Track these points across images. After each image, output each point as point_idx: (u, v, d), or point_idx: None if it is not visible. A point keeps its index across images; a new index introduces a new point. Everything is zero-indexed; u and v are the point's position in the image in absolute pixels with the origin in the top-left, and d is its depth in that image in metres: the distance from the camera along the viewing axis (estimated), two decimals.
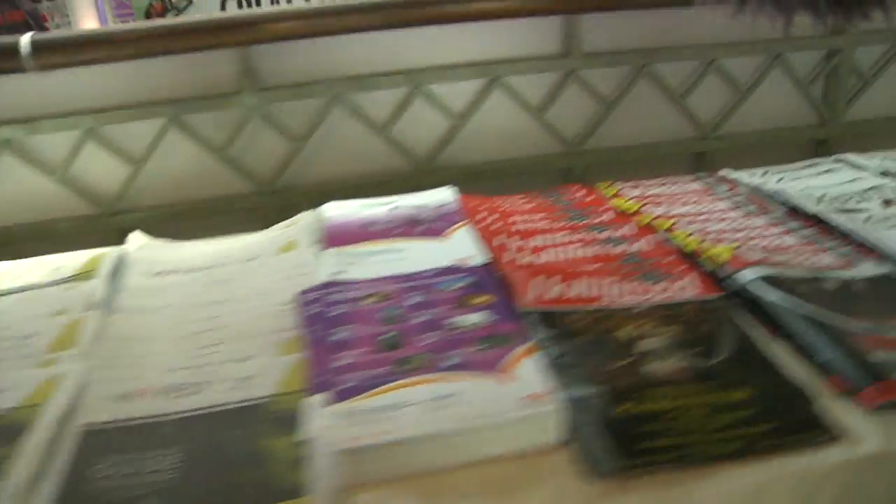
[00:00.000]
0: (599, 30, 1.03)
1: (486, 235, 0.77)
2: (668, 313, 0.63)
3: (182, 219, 0.98)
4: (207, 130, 0.96)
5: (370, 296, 0.65)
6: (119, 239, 0.84)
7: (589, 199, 0.91)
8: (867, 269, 0.70)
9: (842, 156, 1.03)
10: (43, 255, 0.82)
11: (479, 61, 1.00)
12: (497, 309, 0.62)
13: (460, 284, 0.66)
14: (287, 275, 0.72)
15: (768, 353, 0.59)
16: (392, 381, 0.53)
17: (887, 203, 0.87)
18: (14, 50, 0.84)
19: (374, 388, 0.53)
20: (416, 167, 1.03)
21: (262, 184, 1.00)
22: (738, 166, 1.01)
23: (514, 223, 0.83)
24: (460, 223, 0.81)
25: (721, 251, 0.72)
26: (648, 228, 0.81)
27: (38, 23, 0.93)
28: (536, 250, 0.75)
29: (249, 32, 0.89)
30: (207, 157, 0.97)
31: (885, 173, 0.96)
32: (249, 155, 0.99)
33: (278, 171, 1.00)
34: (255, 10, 0.91)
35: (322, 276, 0.70)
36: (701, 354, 0.58)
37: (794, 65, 1.12)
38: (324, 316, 0.63)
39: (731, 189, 0.94)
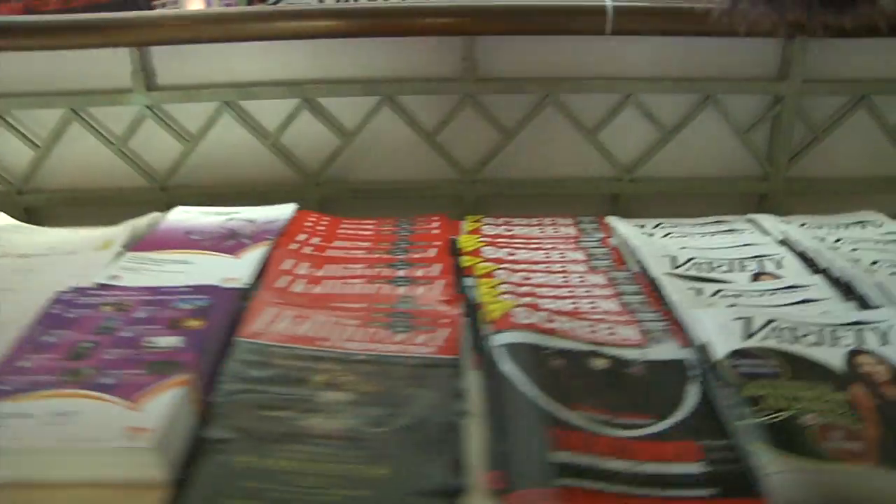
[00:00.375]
0: (502, 54, 0.98)
1: (278, 258, 0.77)
2: (376, 368, 0.60)
3: (83, 205, 1.04)
4: (109, 125, 1.01)
5: (111, 304, 0.67)
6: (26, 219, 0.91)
7: (433, 231, 0.87)
8: (662, 350, 0.64)
9: (755, 216, 0.93)
10: None
11: (371, 78, 0.99)
12: (197, 336, 0.61)
13: (193, 305, 0.66)
14: (76, 273, 0.74)
15: (449, 432, 0.54)
16: (43, 389, 0.54)
17: (756, 276, 0.78)
18: None
19: (22, 392, 0.54)
20: (302, 179, 1.03)
21: (154, 180, 1.03)
22: (659, 214, 0.94)
23: (330, 248, 0.82)
24: (265, 242, 0.80)
25: (498, 308, 0.68)
26: (458, 271, 0.77)
27: None
28: (316, 280, 0.74)
29: (139, 34, 0.93)
30: (105, 149, 1.02)
31: (782, 242, 0.85)
32: (147, 151, 1.03)
33: (171, 170, 1.03)
34: (144, 14, 0.95)
35: (97, 278, 0.72)
36: (376, 420, 0.55)
37: (734, 109, 1.02)
38: (57, 317, 0.65)
39: (603, 239, 0.87)
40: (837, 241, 0.87)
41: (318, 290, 0.72)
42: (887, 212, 0.93)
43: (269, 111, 1.00)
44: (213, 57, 0.98)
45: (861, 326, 0.63)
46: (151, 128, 1.01)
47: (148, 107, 0.99)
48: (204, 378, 0.57)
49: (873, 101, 1.02)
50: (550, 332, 0.64)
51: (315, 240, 0.83)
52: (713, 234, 0.90)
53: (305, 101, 0.99)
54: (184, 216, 0.89)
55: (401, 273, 0.76)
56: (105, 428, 0.51)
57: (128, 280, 0.72)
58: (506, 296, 0.71)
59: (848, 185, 1.07)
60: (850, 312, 0.67)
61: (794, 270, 0.78)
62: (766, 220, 0.92)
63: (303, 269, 0.76)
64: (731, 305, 0.70)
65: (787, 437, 0.51)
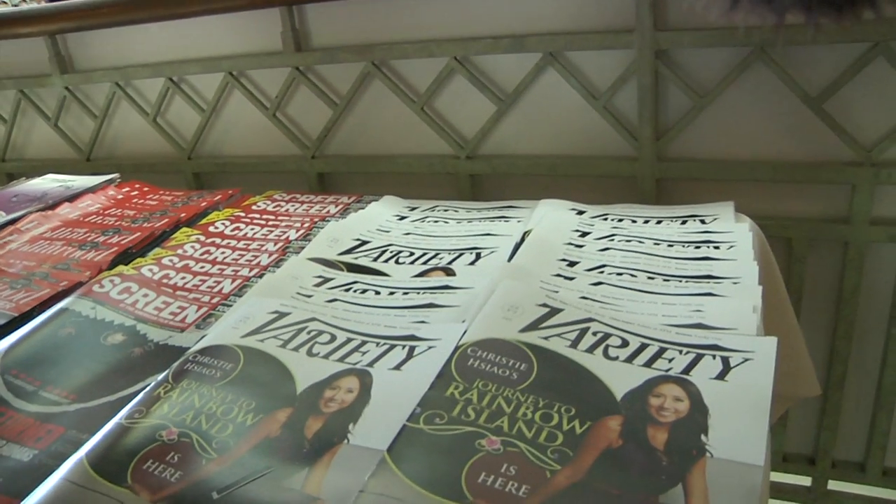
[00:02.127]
0: (324, 23, 0.94)
1: (27, 218, 0.85)
2: None
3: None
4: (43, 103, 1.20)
5: None
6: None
7: (203, 204, 0.88)
8: (186, 338, 0.57)
9: (550, 201, 0.77)
10: None
11: (215, 56, 1.01)
12: None
13: None
14: None
15: None
16: None
17: (425, 272, 0.65)
18: None
19: None
20: (181, 154, 1.10)
21: (82, 152, 1.19)
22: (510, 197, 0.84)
23: (95, 213, 0.88)
24: (41, 203, 0.89)
25: (103, 276, 0.68)
26: (157, 240, 0.78)
27: None
28: (36, 239, 0.80)
29: None
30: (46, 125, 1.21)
31: (526, 233, 0.69)
32: (81, 127, 1.19)
33: (92, 142, 1.18)
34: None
35: None
36: None
37: (589, 70, 0.83)
38: None
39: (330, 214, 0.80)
40: (609, 237, 0.68)
41: (23, 249, 0.79)
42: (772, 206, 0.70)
43: (144, 91, 1.09)
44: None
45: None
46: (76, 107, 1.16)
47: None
48: None
49: (769, 54, 0.76)
50: (111, 303, 0.63)
51: (95, 206, 0.90)
52: (477, 220, 0.76)
53: (170, 80, 1.06)
54: (41, 181, 1.02)
55: (99, 238, 0.79)
56: None
57: None
58: (147, 266, 0.70)
59: (737, 170, 0.82)
60: None
61: (481, 270, 0.64)
62: (554, 206, 0.75)
63: (39, 230, 0.83)
64: (332, 300, 0.60)
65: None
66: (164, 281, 0.68)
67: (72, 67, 1.14)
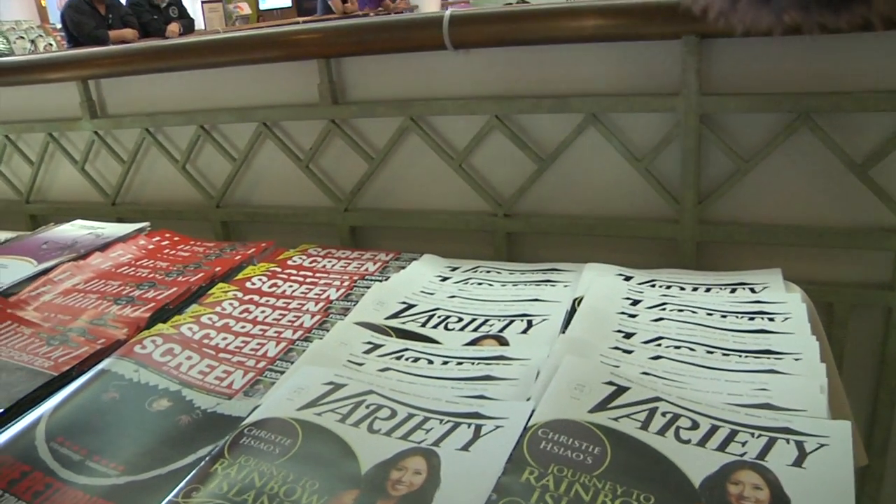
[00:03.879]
0: (362, 77, 0.94)
1: (62, 268, 0.84)
2: None
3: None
4: (72, 146, 1.19)
5: None
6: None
7: (237, 258, 0.87)
8: (240, 405, 0.57)
9: (594, 266, 0.76)
10: None
11: (249, 106, 1.02)
12: None
13: None
14: None
15: None
16: None
17: (477, 340, 0.64)
18: None
19: None
20: (211, 202, 1.09)
21: (107, 196, 1.18)
22: (553, 258, 0.83)
23: (128, 265, 0.86)
24: (72, 252, 0.88)
25: (143, 335, 0.67)
26: (192, 297, 0.77)
27: None
28: (68, 291, 0.79)
29: None
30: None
31: (577, 300, 0.68)
32: (108, 172, 1.19)
33: (118, 189, 1.17)
34: None
35: None
36: None
37: (630, 132, 0.84)
38: None
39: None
40: (660, 305, 0.67)
41: (57, 301, 0.78)
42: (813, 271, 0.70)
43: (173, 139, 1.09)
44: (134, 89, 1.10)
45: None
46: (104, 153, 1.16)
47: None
48: None
49: (815, 120, 0.76)
50: (154, 366, 0.62)
51: (127, 257, 0.89)
52: (523, 283, 0.75)
53: (202, 127, 1.06)
54: (69, 228, 1.01)
55: (134, 293, 0.77)
56: None
57: None
58: (186, 325, 0.69)
59: (780, 235, 0.81)
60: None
61: (535, 339, 0.63)
62: (601, 271, 0.74)
63: (71, 281, 0.82)
64: (384, 369, 0.59)
65: None
66: (206, 342, 0.67)
67: (103, 112, 1.14)
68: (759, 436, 0.47)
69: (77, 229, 1.00)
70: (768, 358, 0.57)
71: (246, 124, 1.02)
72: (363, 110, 0.94)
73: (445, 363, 0.59)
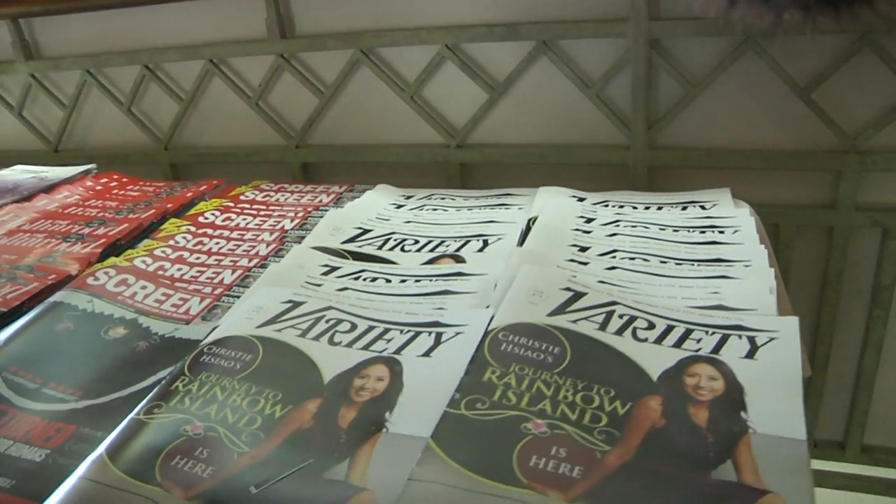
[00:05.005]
0: (311, 9, 0.92)
1: (5, 210, 0.81)
2: None
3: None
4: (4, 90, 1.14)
5: None
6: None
7: (189, 194, 0.85)
8: (197, 329, 0.55)
9: (548, 189, 0.76)
10: None
11: (195, 44, 0.98)
12: None
13: None
14: None
15: None
16: None
17: (434, 260, 0.65)
18: None
19: None
20: (157, 145, 1.06)
21: (49, 143, 1.14)
22: (498, 183, 0.83)
23: (75, 205, 0.84)
24: (15, 195, 0.85)
25: (97, 267, 0.65)
26: (144, 232, 0.75)
27: None
28: (12, 232, 0.77)
29: None
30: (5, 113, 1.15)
31: (532, 220, 0.69)
32: (46, 115, 1.14)
33: (60, 133, 1.13)
34: None
35: None
36: None
37: (582, 59, 0.84)
38: None
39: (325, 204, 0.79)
40: (614, 222, 0.68)
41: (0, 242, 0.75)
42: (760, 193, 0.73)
43: (120, 79, 1.05)
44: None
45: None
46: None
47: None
48: None
49: (760, 43, 0.77)
50: (108, 296, 0.61)
51: (74, 198, 0.86)
52: (479, 208, 0.75)
53: (146, 67, 1.02)
54: (10, 172, 0.97)
55: (84, 231, 0.75)
56: None
57: None
58: (140, 258, 0.67)
59: (729, 158, 0.83)
60: None
61: (491, 256, 0.63)
62: (553, 193, 0.75)
63: (16, 222, 0.79)
64: (342, 289, 0.59)
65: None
66: (160, 273, 0.66)
67: (38, 54, 1.09)
68: (713, 333, 0.48)
69: (18, 174, 0.96)
70: (719, 265, 0.59)
71: (192, 62, 0.99)
72: (312, 44, 0.92)
73: (403, 281, 0.60)
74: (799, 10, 0.48)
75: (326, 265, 0.63)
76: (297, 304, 0.54)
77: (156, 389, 0.47)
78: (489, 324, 0.49)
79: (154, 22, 1.00)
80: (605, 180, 0.89)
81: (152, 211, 0.79)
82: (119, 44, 1.03)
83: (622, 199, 0.74)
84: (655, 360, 0.46)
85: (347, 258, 0.65)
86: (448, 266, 0.61)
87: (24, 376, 0.52)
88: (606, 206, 0.73)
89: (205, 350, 0.50)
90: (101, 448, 0.42)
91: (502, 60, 0.87)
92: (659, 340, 0.48)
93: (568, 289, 0.52)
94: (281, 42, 0.93)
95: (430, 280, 0.59)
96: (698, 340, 0.48)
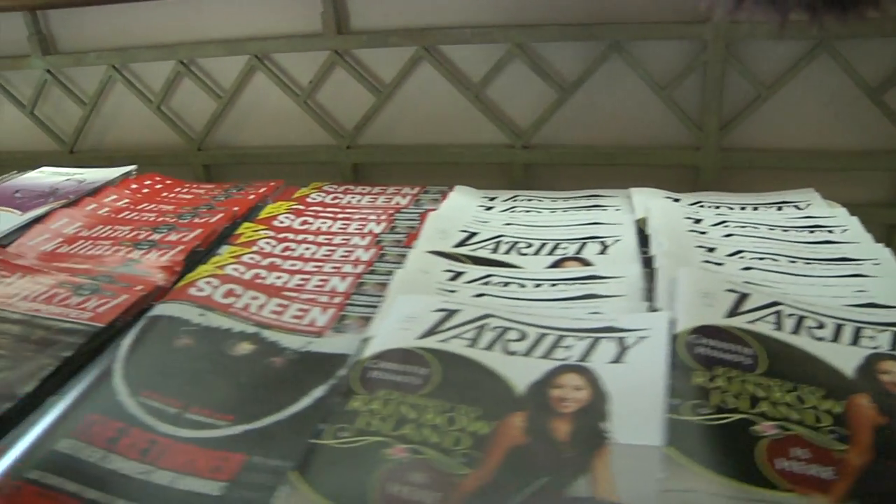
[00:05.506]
0: (370, 4, 0.88)
1: (56, 216, 0.75)
2: (18, 329, 0.56)
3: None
4: (18, 89, 1.06)
5: None
6: None
7: (250, 196, 0.80)
8: (334, 342, 0.53)
9: (640, 190, 0.75)
10: None
11: (239, 38, 0.93)
12: None
13: None
14: None
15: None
16: None
17: (559, 263, 0.62)
18: None
19: None
20: (189, 144, 1.00)
21: (64, 144, 1.06)
22: (559, 186, 0.81)
23: (127, 209, 0.78)
24: (62, 200, 0.79)
25: (190, 277, 0.61)
26: (220, 239, 0.70)
27: None
28: (72, 240, 0.71)
29: None
30: (19, 114, 1.07)
31: (640, 221, 0.68)
32: (58, 116, 1.06)
33: (77, 133, 1.05)
34: None
35: None
36: None
37: (653, 60, 0.83)
38: None
39: (425, 213, 0.75)
40: (722, 223, 0.68)
41: (63, 249, 0.69)
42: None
43: (151, 75, 0.99)
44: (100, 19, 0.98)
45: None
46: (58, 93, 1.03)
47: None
48: None
49: (836, 47, 0.78)
50: (220, 308, 0.56)
51: (123, 202, 0.80)
52: (573, 209, 0.74)
53: (191, 62, 0.96)
54: (37, 175, 0.90)
55: (155, 236, 0.70)
56: None
57: None
58: (231, 266, 0.63)
59: (801, 159, 0.84)
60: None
61: (617, 258, 0.62)
62: (649, 194, 0.74)
63: (72, 228, 0.73)
64: (479, 295, 0.56)
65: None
66: (259, 281, 0.61)
67: (55, 48, 1.01)
68: (884, 330, 0.48)
69: (49, 176, 0.89)
70: (848, 264, 0.59)
71: (233, 58, 0.94)
72: (372, 40, 0.88)
73: (538, 285, 0.57)
74: (806, 10, 0.47)
75: (450, 270, 0.60)
76: (451, 313, 0.51)
77: (330, 412, 0.43)
78: (672, 327, 0.47)
79: (191, 15, 0.94)
80: (673, 183, 0.88)
81: (220, 215, 0.75)
82: (150, 38, 0.97)
83: (715, 200, 0.74)
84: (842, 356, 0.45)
85: (467, 262, 0.62)
86: (578, 269, 0.59)
87: (160, 400, 0.47)
88: (703, 206, 0.72)
89: (368, 365, 0.46)
90: (294, 479, 0.38)
91: (572, 60, 0.86)
92: (836, 338, 0.47)
93: (731, 290, 0.51)
94: (338, 38, 0.89)
95: (568, 283, 0.57)
96: (871, 338, 0.47)
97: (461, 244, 0.66)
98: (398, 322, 0.51)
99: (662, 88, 0.84)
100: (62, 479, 0.41)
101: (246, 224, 0.73)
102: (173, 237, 0.70)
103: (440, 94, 0.90)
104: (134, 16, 0.97)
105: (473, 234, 0.67)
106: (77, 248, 0.69)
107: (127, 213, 0.77)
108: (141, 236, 0.70)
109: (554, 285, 0.57)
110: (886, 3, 0.45)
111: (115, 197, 0.81)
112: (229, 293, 0.58)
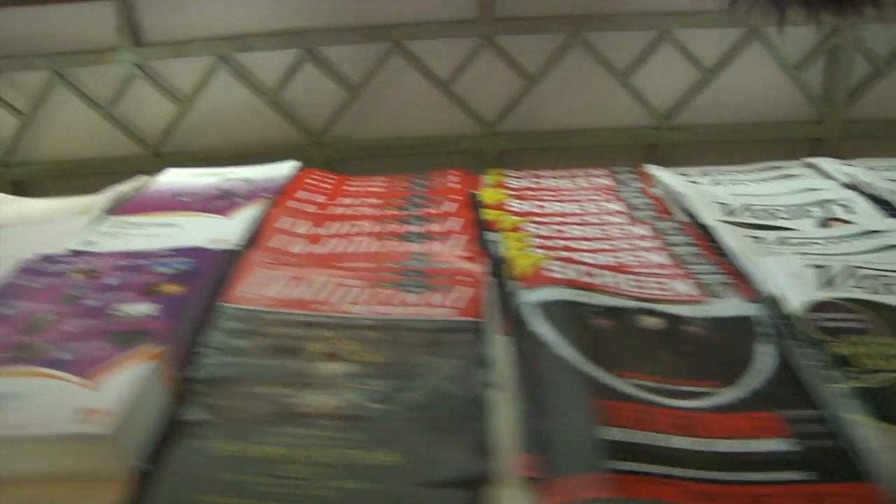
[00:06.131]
0: None
1: (275, 216, 0.68)
2: (385, 335, 0.51)
3: (72, 176, 0.97)
4: (93, 87, 0.93)
5: (81, 271, 0.58)
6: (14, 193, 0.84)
7: (452, 185, 0.78)
8: (724, 306, 0.53)
9: (814, 160, 0.82)
10: None
11: (378, 24, 0.89)
12: (173, 302, 0.52)
13: (174, 269, 0.57)
14: (49, 241, 0.66)
15: (472, 408, 0.44)
16: None
17: (826, 223, 0.67)
18: None
19: None
20: (306, 138, 0.94)
21: (148, 146, 0.95)
22: (698, 163, 0.83)
23: (338, 205, 0.73)
24: (260, 199, 0.71)
25: (528, 262, 0.58)
26: (479, 226, 0.67)
27: None
28: (316, 238, 0.64)
29: None
30: (93, 115, 0.94)
31: (851, 186, 0.74)
32: (138, 115, 0.95)
33: (165, 134, 0.95)
34: None
35: (70, 244, 0.64)
36: (383, 395, 0.45)
37: (783, 43, 0.90)
38: (19, 288, 0.57)
39: (642, 189, 0.77)
40: None
41: (319, 249, 0.63)
42: None
43: (268, 64, 0.91)
44: (205, 7, 0.89)
45: None
46: (142, 89, 0.92)
47: (136, 65, 0.90)
48: (180, 350, 0.48)
49: None
50: (591, 288, 0.55)
51: (319, 198, 0.74)
52: (768, 180, 0.79)
53: (307, 51, 0.89)
54: (175, 178, 0.80)
55: (414, 229, 0.66)
56: (54, 411, 0.42)
57: (105, 245, 0.64)
58: (537, 250, 0.61)
59: None
60: None
61: (867, 215, 0.67)
62: (827, 163, 0.81)
63: (302, 227, 0.67)
64: (802, 254, 0.60)
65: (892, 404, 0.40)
66: (589, 261, 0.60)
67: (142, 40, 0.90)
68: None
69: (194, 177, 0.79)
70: None
71: (366, 45, 0.89)
72: (521, 26, 0.88)
73: (835, 243, 0.61)
74: (802, 6, 0.50)
75: (752, 236, 0.62)
76: (819, 268, 0.54)
77: (812, 362, 0.45)
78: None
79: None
80: (792, 153, 0.96)
81: (455, 204, 0.71)
82: (261, 24, 0.89)
83: (884, 165, 0.82)
84: None
85: (750, 228, 0.65)
86: (848, 227, 0.64)
87: (641, 378, 0.45)
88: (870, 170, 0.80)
89: (812, 318, 0.48)
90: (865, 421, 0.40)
91: (709, 44, 0.91)
92: None
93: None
94: (490, 24, 0.87)
95: (862, 238, 0.62)
96: None
97: (728, 214, 0.68)
98: (787, 279, 0.52)
99: (798, 69, 0.91)
100: (640, 463, 0.39)
101: (485, 210, 0.70)
102: (437, 228, 0.66)
103: (584, 78, 0.92)
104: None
105: (725, 205, 0.70)
106: (333, 247, 0.63)
107: (334, 209, 0.72)
108: (404, 230, 0.66)
109: (847, 241, 0.61)
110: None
111: (307, 194, 0.74)
112: (585, 273, 0.57)
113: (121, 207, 0.72)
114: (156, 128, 0.94)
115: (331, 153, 0.94)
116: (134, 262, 0.59)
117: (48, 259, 0.61)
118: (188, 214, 0.69)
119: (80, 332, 0.49)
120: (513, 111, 0.93)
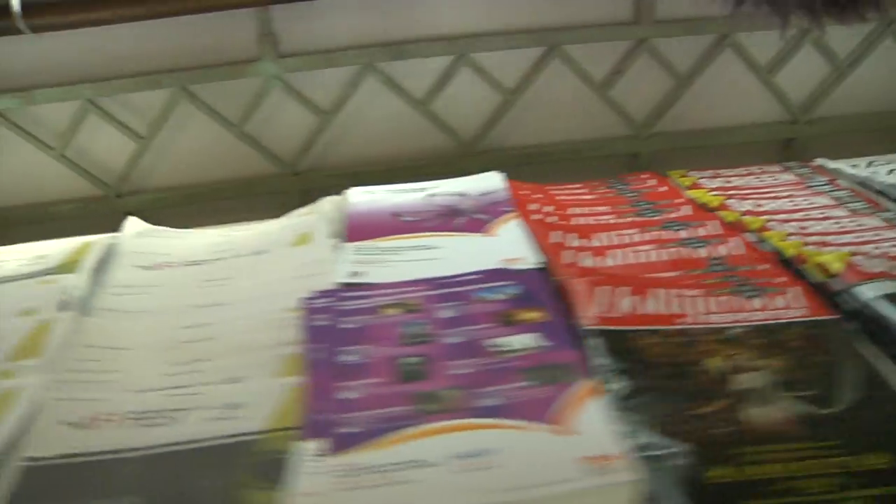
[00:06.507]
0: None
1: (540, 231, 0.64)
2: (768, 340, 0.49)
3: (193, 202, 0.88)
4: (222, 103, 0.84)
5: (392, 305, 0.53)
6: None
7: (661, 189, 0.76)
8: None
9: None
10: (39, 241, 0.73)
11: (535, 27, 0.86)
12: (551, 329, 0.48)
13: (506, 294, 0.53)
14: (297, 274, 0.60)
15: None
16: (410, 425, 0.40)
17: None
18: (4, 8, 0.74)
19: (384, 434, 0.40)
20: (458, 148, 0.90)
21: (284, 164, 0.88)
22: (836, 156, 0.85)
23: (572, 216, 0.70)
24: (508, 215, 0.67)
25: (831, 259, 0.57)
26: (735, 227, 0.66)
27: None
28: (600, 251, 0.61)
29: None
30: (222, 133, 0.85)
31: None
32: (270, 131, 0.87)
33: (302, 150, 0.88)
34: None
35: (337, 277, 0.58)
36: (815, 399, 0.44)
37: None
38: (333, 329, 0.51)
39: (831, 182, 0.78)
40: None
41: (609, 261, 0.60)
42: None
43: (414, 72, 0.86)
44: (344, 14, 0.83)
45: None
46: (273, 102, 0.85)
47: (276, 77, 0.83)
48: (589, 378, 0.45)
49: None
50: None
51: (548, 208, 0.71)
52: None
53: (461, 57, 0.85)
54: (370, 197, 0.74)
55: (682, 234, 0.64)
56: (543, 466, 0.38)
57: (375, 276, 0.58)
58: (810, 247, 0.61)
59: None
60: None
61: None
62: None
63: (574, 241, 0.63)
64: None
65: None
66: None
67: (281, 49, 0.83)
68: None
69: (391, 195, 0.74)
70: None
71: (518, 51, 0.86)
72: (673, 29, 0.87)
73: None
74: (805, 12, 0.50)
75: None
76: None
77: None
78: None
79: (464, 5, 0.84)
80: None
81: (688, 210, 0.70)
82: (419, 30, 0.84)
83: None
84: None
85: None
86: None
87: None
88: None
89: None
90: None
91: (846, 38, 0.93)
92: None
93: None
94: (649, 27, 0.86)
95: None
96: None
97: None
98: None
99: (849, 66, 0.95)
100: None
101: (722, 213, 0.69)
102: (701, 232, 0.64)
103: (728, 77, 0.92)
104: (387, 9, 0.84)
105: None
106: (622, 258, 0.61)
107: (578, 219, 0.69)
108: (677, 236, 0.64)
109: None
110: (887, 3, 0.49)
111: (537, 206, 0.70)
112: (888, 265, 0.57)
113: (349, 232, 0.66)
114: (290, 143, 0.87)
115: (484, 161, 0.90)
116: (444, 290, 0.54)
117: (326, 295, 0.55)
118: (437, 235, 0.64)
119: (479, 374, 0.44)
120: (666, 113, 0.92)
